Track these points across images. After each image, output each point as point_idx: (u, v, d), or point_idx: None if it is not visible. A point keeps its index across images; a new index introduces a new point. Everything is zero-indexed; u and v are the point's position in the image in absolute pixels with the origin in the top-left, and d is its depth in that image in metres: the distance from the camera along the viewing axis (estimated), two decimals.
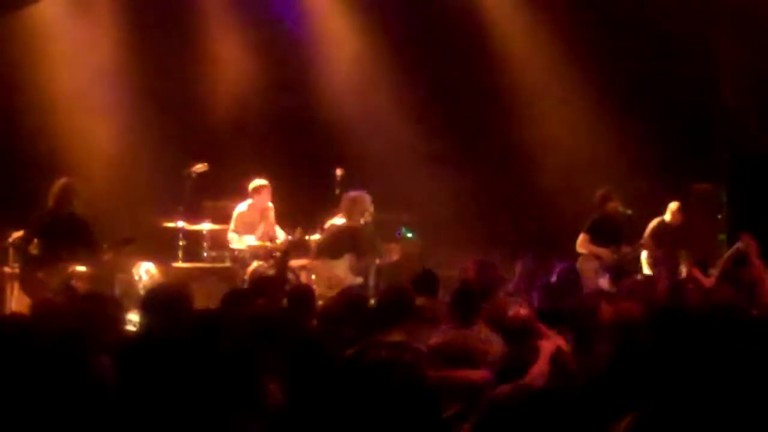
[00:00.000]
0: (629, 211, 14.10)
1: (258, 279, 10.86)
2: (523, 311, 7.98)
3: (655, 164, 15.54)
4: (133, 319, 10.90)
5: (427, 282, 9.67)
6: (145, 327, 8.04)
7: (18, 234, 12.46)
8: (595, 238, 13.71)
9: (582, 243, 13.75)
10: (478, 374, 7.36)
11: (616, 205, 13.80)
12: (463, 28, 16.30)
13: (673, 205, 14.34)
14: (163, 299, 8.21)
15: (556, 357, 7.41)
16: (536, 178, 15.67)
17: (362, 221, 13.36)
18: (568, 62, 15.92)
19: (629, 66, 15.80)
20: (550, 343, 7.69)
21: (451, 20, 16.26)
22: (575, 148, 15.81)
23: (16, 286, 12.90)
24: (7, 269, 13.20)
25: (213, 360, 6.33)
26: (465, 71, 16.36)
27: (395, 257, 13.67)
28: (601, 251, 13.65)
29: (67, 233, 12.05)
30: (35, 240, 12.15)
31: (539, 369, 7.34)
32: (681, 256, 13.72)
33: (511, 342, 7.73)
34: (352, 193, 13.50)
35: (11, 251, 13.20)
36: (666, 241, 14.13)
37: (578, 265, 13.77)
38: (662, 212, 14.49)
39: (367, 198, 13.41)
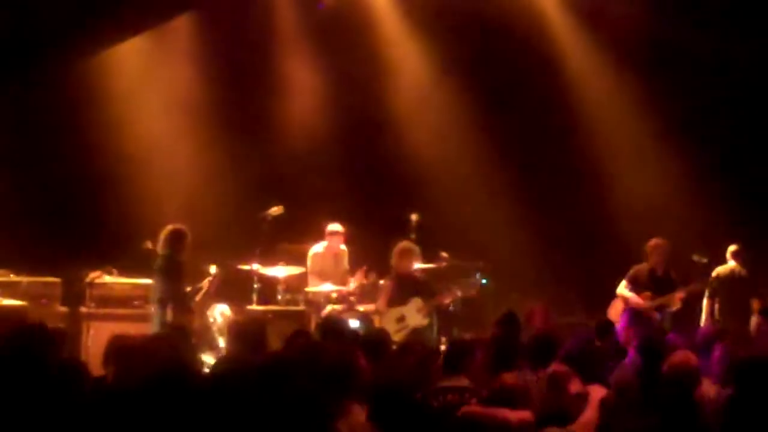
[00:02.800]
0: (705, 260, 13.93)
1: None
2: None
3: (733, 213, 15.36)
4: (206, 360, 10.98)
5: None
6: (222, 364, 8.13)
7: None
8: (633, 286, 13.57)
9: (619, 289, 13.63)
10: (518, 415, 7.38)
11: (657, 259, 13.59)
12: (540, 75, 16.26)
13: (731, 248, 14.12)
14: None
15: (604, 405, 7.43)
16: (613, 226, 15.52)
17: (413, 268, 13.45)
18: (645, 102, 15.80)
19: (710, 111, 15.64)
20: (599, 389, 7.70)
21: (527, 66, 16.22)
22: (654, 198, 15.68)
23: (92, 326, 13.04)
24: (83, 309, 13.33)
25: (283, 404, 6.36)
26: (545, 121, 16.28)
27: (448, 301, 13.64)
28: (633, 297, 13.46)
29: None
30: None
31: (589, 417, 7.39)
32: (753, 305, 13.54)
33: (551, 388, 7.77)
34: (401, 244, 13.55)
35: (88, 291, 13.35)
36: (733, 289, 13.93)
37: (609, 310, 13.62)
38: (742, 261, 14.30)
39: (414, 248, 13.48)
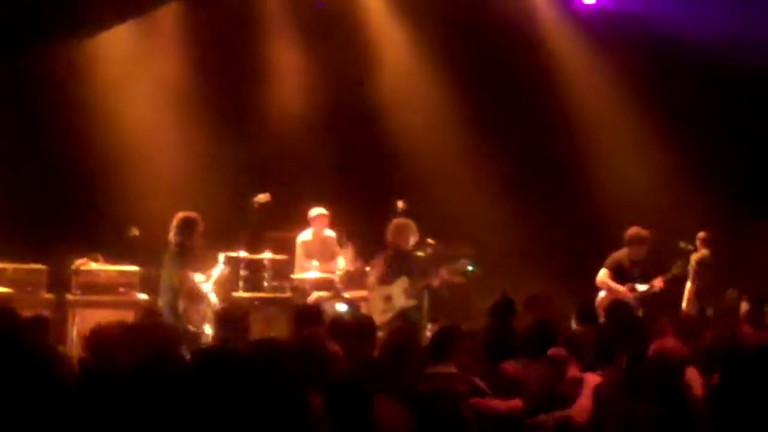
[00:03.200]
0: (690, 247, 13.93)
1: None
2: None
3: (719, 201, 15.37)
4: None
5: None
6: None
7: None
8: (615, 275, 13.56)
9: (601, 278, 13.60)
10: (508, 404, 7.38)
11: (639, 248, 13.57)
12: (530, 60, 16.29)
13: (700, 235, 14.13)
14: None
15: (598, 392, 7.43)
16: (601, 213, 15.53)
17: (410, 245, 13.42)
18: (635, 96, 15.82)
19: (695, 101, 15.66)
20: (594, 377, 7.70)
21: (517, 52, 16.23)
22: (640, 182, 15.70)
23: (78, 313, 13.02)
24: (69, 296, 13.30)
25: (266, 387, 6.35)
26: (533, 105, 16.31)
27: (436, 282, 13.59)
28: (619, 288, 13.45)
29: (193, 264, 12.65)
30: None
31: (584, 403, 7.39)
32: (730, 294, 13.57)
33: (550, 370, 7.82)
34: (397, 220, 13.51)
35: (74, 278, 13.32)
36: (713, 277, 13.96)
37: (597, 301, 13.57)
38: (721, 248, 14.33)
39: (412, 225, 13.42)
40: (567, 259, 15.37)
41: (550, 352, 8.00)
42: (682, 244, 13.94)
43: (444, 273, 13.54)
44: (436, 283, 13.52)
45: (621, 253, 13.59)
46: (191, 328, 12.23)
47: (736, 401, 7.06)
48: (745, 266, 14.23)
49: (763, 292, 12.33)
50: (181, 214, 12.74)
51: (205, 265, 12.91)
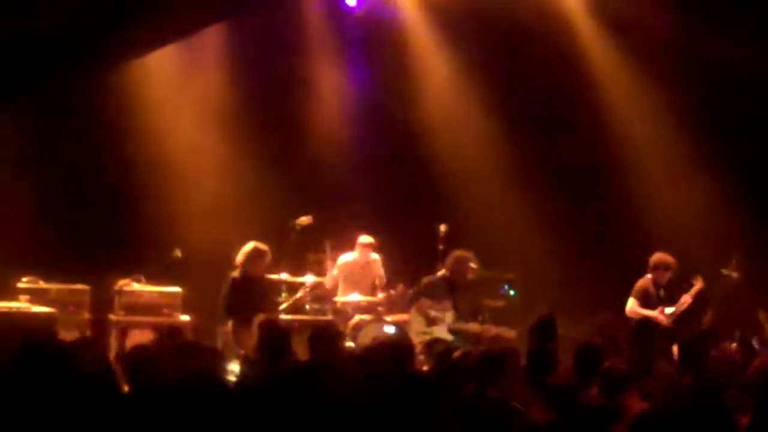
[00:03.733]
0: (735, 274, 13.82)
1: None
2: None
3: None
4: (233, 369, 10.97)
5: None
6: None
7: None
8: (642, 303, 13.49)
9: (631, 308, 13.52)
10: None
11: (663, 274, 13.49)
12: (576, 84, 16.18)
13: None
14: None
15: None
16: (640, 241, 15.40)
17: (467, 279, 13.45)
18: (677, 125, 15.70)
19: (737, 129, 15.51)
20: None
21: (558, 74, 16.14)
22: (683, 211, 15.58)
23: (118, 333, 13.09)
24: (112, 317, 13.36)
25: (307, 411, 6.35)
26: (578, 130, 16.20)
27: (487, 335, 13.54)
28: (651, 313, 13.38)
29: (255, 292, 13.04)
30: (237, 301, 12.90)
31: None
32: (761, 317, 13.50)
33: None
34: (458, 252, 13.53)
35: (116, 299, 13.38)
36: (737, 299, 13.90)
37: None
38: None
39: (472, 259, 13.45)
40: (609, 287, 15.24)
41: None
42: (725, 272, 13.84)
43: (504, 333, 13.51)
44: (487, 335, 13.48)
45: (645, 281, 13.54)
46: (240, 350, 12.30)
47: None
48: None
49: None
50: (252, 244, 13.17)
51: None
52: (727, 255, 14.05)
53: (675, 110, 15.71)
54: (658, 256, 13.53)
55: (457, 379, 7.95)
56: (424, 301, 13.36)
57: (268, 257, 13.11)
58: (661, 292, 13.46)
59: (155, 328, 12.88)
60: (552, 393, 7.67)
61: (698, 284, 13.47)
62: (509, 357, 8.38)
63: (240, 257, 13.10)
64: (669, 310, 13.29)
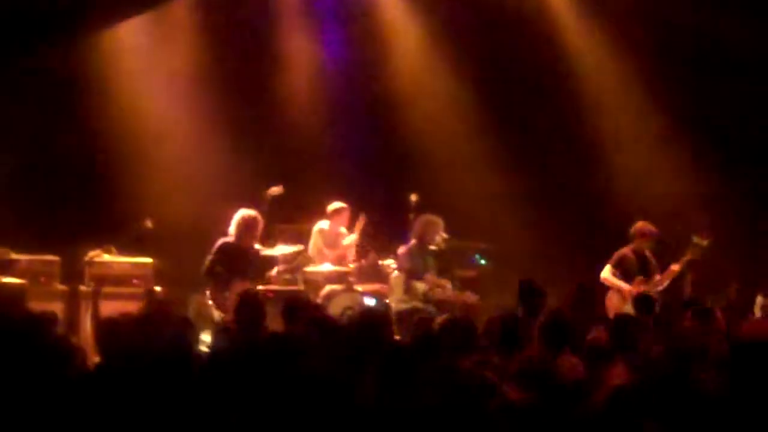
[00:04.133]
0: (705, 242, 13.82)
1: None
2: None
3: (731, 201, 15.35)
4: (205, 339, 10.97)
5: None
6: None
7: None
8: (621, 272, 13.53)
9: (605, 275, 13.57)
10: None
11: (645, 243, 13.56)
12: (548, 63, 16.19)
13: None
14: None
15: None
16: (612, 214, 15.47)
17: (434, 246, 13.49)
18: (653, 103, 15.75)
19: (712, 105, 15.56)
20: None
21: (535, 46, 16.15)
22: (656, 190, 15.63)
23: (91, 304, 13.04)
24: (82, 288, 13.32)
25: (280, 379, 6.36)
26: (551, 100, 16.21)
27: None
28: (623, 285, 13.42)
29: (246, 261, 12.94)
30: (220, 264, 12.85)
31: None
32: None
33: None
34: (426, 216, 13.57)
35: (87, 270, 13.35)
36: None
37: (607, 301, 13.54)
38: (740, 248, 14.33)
39: (439, 222, 13.50)
40: (584, 258, 15.28)
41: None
42: (695, 239, 13.86)
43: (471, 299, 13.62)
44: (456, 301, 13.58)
45: (625, 249, 13.57)
46: (219, 314, 12.34)
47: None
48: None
49: None
50: (242, 212, 13.11)
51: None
52: (698, 224, 14.08)
53: (647, 80, 15.75)
54: (638, 225, 13.57)
55: (434, 349, 7.96)
56: (402, 271, 13.46)
57: (260, 225, 13.07)
58: (641, 264, 13.49)
59: (128, 298, 12.85)
60: (527, 368, 7.62)
61: (688, 255, 13.51)
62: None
63: (233, 227, 13.04)
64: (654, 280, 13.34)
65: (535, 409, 6.23)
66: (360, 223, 14.07)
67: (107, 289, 13.24)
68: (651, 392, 6.56)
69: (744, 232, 15.09)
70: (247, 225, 13.01)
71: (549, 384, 7.02)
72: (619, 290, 13.32)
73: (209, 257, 12.89)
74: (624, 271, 13.45)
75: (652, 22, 15.64)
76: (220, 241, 13.00)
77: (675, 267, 13.41)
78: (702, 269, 13.73)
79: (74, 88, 15.17)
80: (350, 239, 14.12)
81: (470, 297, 13.76)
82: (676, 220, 14.41)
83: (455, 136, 16.27)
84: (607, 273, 13.49)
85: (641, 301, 10.95)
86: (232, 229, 13.02)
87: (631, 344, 8.41)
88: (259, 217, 13.08)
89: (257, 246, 13.15)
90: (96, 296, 12.25)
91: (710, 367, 7.56)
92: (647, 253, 13.53)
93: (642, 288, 13.14)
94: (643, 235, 13.51)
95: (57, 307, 12.22)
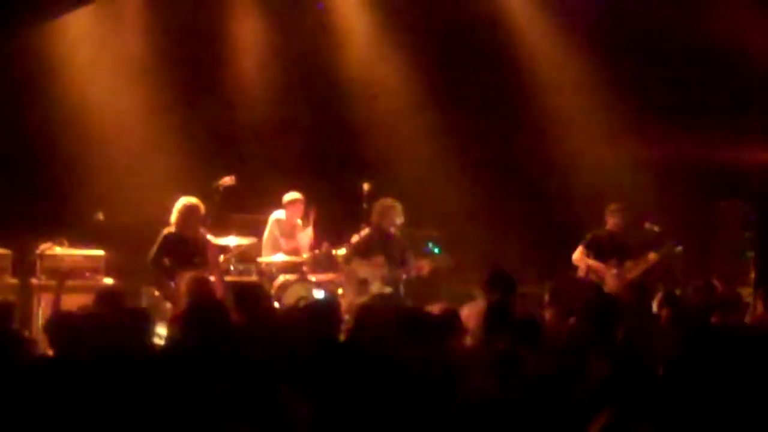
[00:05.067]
0: (656, 228, 13.95)
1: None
2: None
3: (684, 180, 15.47)
4: (160, 332, 10.94)
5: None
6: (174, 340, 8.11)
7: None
8: (594, 252, 13.60)
9: (578, 256, 13.63)
10: None
11: (617, 222, 13.65)
12: (496, 45, 16.24)
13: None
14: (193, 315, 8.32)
15: None
16: (567, 201, 15.55)
17: (393, 230, 13.48)
18: (599, 77, 15.83)
19: (659, 80, 15.70)
20: None
21: (483, 36, 16.20)
22: (605, 165, 15.75)
23: (44, 297, 12.95)
24: (34, 281, 13.24)
25: (235, 371, 6.36)
26: (497, 88, 16.27)
27: (425, 271, 13.64)
28: (599, 266, 13.50)
29: (190, 250, 12.70)
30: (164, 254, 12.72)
31: None
32: None
33: None
34: (384, 201, 13.58)
35: (38, 263, 13.26)
36: None
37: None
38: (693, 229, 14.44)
39: (398, 207, 13.51)
40: (536, 243, 15.36)
41: None
42: (647, 225, 13.97)
43: (425, 264, 13.59)
44: (414, 273, 13.56)
45: (599, 231, 13.64)
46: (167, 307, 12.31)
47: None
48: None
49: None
50: (183, 200, 12.87)
51: None
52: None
53: (605, 67, 15.85)
54: (612, 206, 13.66)
55: (379, 340, 7.92)
56: (355, 264, 13.42)
57: (201, 211, 12.97)
58: (616, 244, 13.55)
59: (80, 291, 12.75)
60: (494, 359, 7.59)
61: (666, 247, 13.58)
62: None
63: (174, 216, 12.96)
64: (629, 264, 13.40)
65: (501, 402, 6.23)
66: (311, 216, 14.06)
67: (58, 282, 13.15)
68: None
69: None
70: (188, 212, 12.79)
71: (515, 376, 7.02)
72: (596, 271, 13.35)
73: (153, 248, 12.82)
74: (596, 252, 13.51)
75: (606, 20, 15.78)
76: (164, 231, 12.93)
77: (653, 256, 13.48)
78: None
79: (21, 78, 15.03)
80: (307, 234, 14.09)
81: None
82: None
83: (407, 124, 16.30)
84: (579, 254, 13.55)
85: (637, 288, 10.66)
86: (173, 217, 12.89)
87: (609, 334, 8.30)
88: (200, 204, 12.88)
89: (207, 235, 13.04)
90: (59, 290, 12.07)
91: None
92: (621, 235, 13.60)
93: (614, 271, 13.23)
94: (616, 215, 13.59)
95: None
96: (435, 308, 8.69)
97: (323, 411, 6.41)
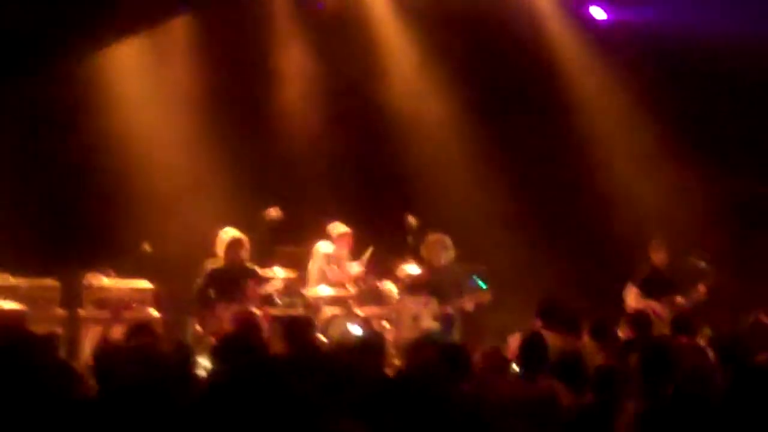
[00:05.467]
0: (702, 263, 13.85)
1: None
2: None
3: (730, 211, 15.38)
4: (203, 363, 10.96)
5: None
6: (218, 373, 8.10)
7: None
8: (646, 292, 13.51)
9: (634, 297, 13.52)
10: None
11: (662, 257, 13.58)
12: (541, 72, 16.24)
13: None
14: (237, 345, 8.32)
15: None
16: (608, 233, 15.47)
17: (443, 263, 13.45)
18: (642, 116, 15.79)
19: (700, 118, 15.63)
20: None
21: (527, 63, 16.20)
22: (648, 202, 15.66)
23: (90, 328, 13.02)
24: (81, 312, 13.31)
25: (283, 404, 6.34)
26: (543, 117, 16.25)
27: (469, 307, 13.58)
28: (655, 305, 13.40)
29: (237, 281, 12.89)
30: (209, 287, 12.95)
31: None
32: None
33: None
34: (432, 236, 13.57)
35: (86, 294, 13.33)
36: None
37: None
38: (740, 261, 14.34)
39: (447, 241, 13.49)
40: (577, 278, 15.28)
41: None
42: (693, 260, 13.88)
43: (467, 301, 13.53)
44: (469, 307, 13.51)
45: (644, 269, 13.55)
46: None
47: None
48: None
49: None
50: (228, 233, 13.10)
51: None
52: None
53: (643, 96, 15.79)
54: (656, 241, 13.60)
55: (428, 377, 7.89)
56: (407, 299, 13.41)
57: (246, 244, 13.05)
58: (666, 277, 13.48)
59: (125, 323, 12.80)
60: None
61: (711, 277, 13.50)
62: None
63: (219, 247, 13.04)
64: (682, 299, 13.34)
65: None
66: (367, 255, 14.05)
67: (106, 314, 13.23)
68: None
69: None
70: (233, 245, 13.07)
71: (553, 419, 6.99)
72: (653, 311, 13.23)
73: (198, 280, 12.88)
74: (648, 291, 13.41)
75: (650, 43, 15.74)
76: (209, 263, 12.99)
77: (702, 290, 13.42)
78: None
79: (71, 109, 15.14)
80: (356, 269, 14.09)
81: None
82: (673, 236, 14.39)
83: (453, 157, 16.27)
84: (633, 296, 13.44)
85: (683, 321, 10.57)
86: (218, 250, 12.99)
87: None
88: (245, 237, 13.09)
89: (254, 267, 13.09)
90: (110, 322, 12.20)
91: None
92: (665, 270, 13.53)
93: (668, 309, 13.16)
94: (660, 250, 13.51)
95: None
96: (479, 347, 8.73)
97: None
